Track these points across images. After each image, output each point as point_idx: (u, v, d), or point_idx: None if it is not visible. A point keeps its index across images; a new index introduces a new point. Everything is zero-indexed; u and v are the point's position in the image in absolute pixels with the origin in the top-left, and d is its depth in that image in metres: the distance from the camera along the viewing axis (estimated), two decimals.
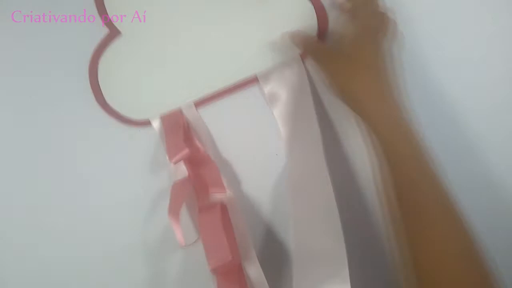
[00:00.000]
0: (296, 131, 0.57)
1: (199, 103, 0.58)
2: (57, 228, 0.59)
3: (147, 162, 0.59)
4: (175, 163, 0.54)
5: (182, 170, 0.57)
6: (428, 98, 0.58)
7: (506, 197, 0.58)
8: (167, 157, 0.55)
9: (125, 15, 0.57)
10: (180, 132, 0.55)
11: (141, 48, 0.58)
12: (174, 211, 0.53)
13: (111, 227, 0.59)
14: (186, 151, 0.54)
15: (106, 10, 0.57)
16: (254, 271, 0.55)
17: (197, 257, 0.56)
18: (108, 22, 0.57)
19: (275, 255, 0.58)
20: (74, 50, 0.58)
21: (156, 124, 0.58)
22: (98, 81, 0.58)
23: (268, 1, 0.56)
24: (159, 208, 0.58)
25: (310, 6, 0.56)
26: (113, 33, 0.58)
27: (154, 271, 0.59)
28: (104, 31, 0.57)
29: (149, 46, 0.58)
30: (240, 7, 0.57)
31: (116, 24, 0.57)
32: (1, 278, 0.59)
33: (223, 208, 0.55)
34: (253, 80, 0.57)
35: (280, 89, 0.57)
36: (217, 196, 0.57)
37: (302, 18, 0.57)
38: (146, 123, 0.58)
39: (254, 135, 0.58)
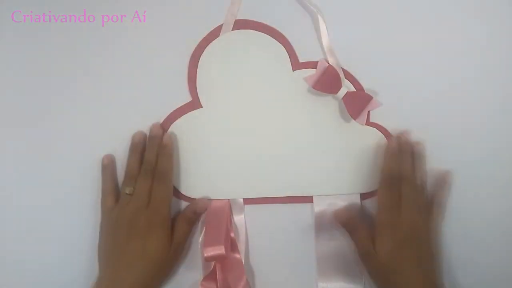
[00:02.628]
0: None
1: (248, 201, 0.59)
2: None
3: None
4: (207, 260, 0.55)
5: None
6: None
7: None
8: (200, 245, 0.58)
9: (211, 92, 0.59)
10: (223, 225, 0.56)
11: (216, 127, 0.59)
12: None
13: None
14: (222, 251, 0.54)
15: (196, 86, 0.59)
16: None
17: None
18: (194, 93, 0.59)
19: None
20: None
21: None
22: None
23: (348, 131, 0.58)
24: None
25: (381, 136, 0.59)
26: (195, 103, 0.58)
27: None
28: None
29: (224, 130, 0.59)
30: (324, 129, 0.59)
31: (201, 97, 0.58)
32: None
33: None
34: (307, 199, 0.59)
35: (329, 218, 0.58)
36: None
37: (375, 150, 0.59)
38: (191, 200, 0.59)
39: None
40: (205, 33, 0.58)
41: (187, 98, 0.58)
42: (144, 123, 0.58)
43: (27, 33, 0.59)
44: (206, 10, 0.58)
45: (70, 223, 0.58)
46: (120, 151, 0.58)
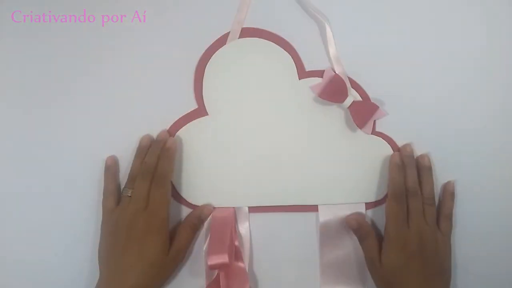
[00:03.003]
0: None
1: (254, 209, 0.59)
2: None
3: None
4: (211, 268, 0.55)
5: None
6: None
7: None
8: (204, 253, 0.58)
9: (217, 100, 0.58)
10: (227, 234, 0.56)
11: (222, 135, 0.58)
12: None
13: None
14: (225, 260, 0.54)
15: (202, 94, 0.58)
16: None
17: None
18: (200, 100, 0.58)
19: None
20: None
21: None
22: None
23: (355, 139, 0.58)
24: None
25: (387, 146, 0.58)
26: (201, 110, 0.58)
27: None
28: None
29: (230, 138, 0.58)
30: (329, 138, 0.58)
31: (207, 105, 0.58)
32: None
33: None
34: (312, 208, 0.58)
35: (334, 228, 0.58)
36: None
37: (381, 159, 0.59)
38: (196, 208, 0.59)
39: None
40: (211, 40, 0.57)
41: (193, 105, 0.58)
42: (147, 126, 0.58)
43: (27, 33, 0.58)
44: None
45: (71, 224, 0.58)
46: (123, 154, 0.58)
